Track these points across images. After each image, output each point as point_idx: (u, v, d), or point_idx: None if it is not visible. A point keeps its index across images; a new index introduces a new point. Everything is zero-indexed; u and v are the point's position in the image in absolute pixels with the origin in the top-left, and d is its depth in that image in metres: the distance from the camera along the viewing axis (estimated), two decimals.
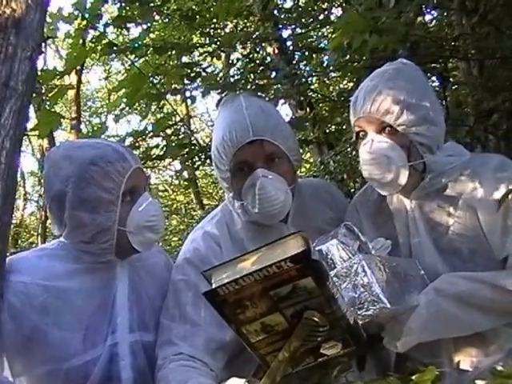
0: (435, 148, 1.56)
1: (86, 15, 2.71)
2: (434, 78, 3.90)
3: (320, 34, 5.69)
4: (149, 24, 3.34)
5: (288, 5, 5.54)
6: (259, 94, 3.20)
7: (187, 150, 3.32)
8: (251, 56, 4.46)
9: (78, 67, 8.73)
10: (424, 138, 1.54)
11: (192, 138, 3.56)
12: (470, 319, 1.44)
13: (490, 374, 1.15)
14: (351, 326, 1.22)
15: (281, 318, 1.16)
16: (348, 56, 3.63)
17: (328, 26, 5.07)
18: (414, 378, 1.16)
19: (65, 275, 1.62)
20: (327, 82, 5.61)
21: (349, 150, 5.08)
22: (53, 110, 2.61)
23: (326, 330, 1.19)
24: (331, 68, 4.22)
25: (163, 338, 1.64)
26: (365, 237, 1.49)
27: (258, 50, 4.86)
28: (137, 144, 3.21)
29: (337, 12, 5.18)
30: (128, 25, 3.05)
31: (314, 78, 4.93)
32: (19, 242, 13.43)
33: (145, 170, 1.75)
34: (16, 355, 1.59)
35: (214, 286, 1.13)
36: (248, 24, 5.70)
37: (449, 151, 1.60)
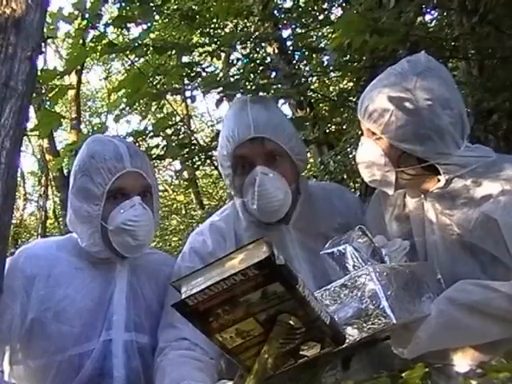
0: (436, 155, 1.49)
1: (86, 15, 2.71)
2: None
3: (320, 34, 5.69)
4: (149, 24, 3.34)
5: (288, 5, 5.52)
6: (260, 93, 3.20)
7: (187, 150, 3.32)
8: (251, 56, 4.46)
9: (78, 67, 8.72)
10: (416, 153, 1.50)
11: (192, 138, 3.56)
12: (482, 329, 1.40)
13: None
14: (328, 326, 1.21)
15: (255, 323, 1.16)
16: (348, 56, 3.63)
17: (328, 26, 5.07)
18: (403, 375, 1.16)
19: (68, 270, 1.69)
20: (327, 81, 5.61)
21: (349, 150, 5.09)
22: (53, 110, 2.61)
23: (302, 331, 1.19)
24: (331, 68, 4.22)
25: (166, 321, 1.68)
26: (383, 240, 1.47)
27: (257, 50, 4.86)
28: (137, 144, 3.20)
29: (337, 12, 5.19)
30: (128, 25, 3.05)
31: (314, 78, 4.93)
32: (19, 241, 13.42)
33: None
34: (18, 345, 1.65)
35: (183, 296, 1.13)
36: (248, 24, 5.69)
37: (472, 152, 1.53)
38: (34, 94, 1.92)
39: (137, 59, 3.18)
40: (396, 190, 1.57)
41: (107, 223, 1.63)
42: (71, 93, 10.00)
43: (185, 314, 1.14)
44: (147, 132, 3.16)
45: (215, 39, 3.79)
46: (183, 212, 12.63)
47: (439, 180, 1.53)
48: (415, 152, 1.50)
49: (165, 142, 3.27)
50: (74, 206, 1.69)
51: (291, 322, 1.16)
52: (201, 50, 3.89)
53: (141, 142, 3.32)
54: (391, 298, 1.31)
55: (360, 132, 1.64)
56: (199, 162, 3.56)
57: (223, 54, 4.42)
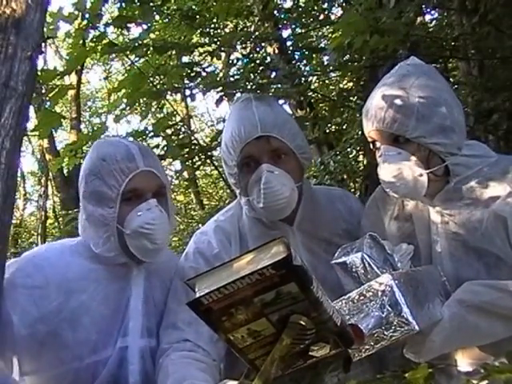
0: (456, 150, 1.50)
1: (86, 15, 2.71)
2: None
3: (320, 33, 5.69)
4: (149, 24, 3.33)
5: (288, 5, 5.53)
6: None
7: (187, 150, 3.32)
8: (251, 56, 4.46)
9: (78, 67, 8.72)
10: (442, 147, 1.49)
11: (192, 138, 3.56)
12: (490, 329, 1.41)
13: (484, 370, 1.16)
14: (338, 327, 1.22)
15: (267, 324, 1.16)
16: (348, 56, 3.63)
17: (328, 26, 5.08)
18: (406, 375, 1.16)
19: (82, 276, 1.63)
20: (327, 81, 5.61)
21: (349, 150, 5.08)
22: (53, 110, 2.61)
23: (313, 332, 1.19)
24: (331, 68, 4.22)
25: (169, 321, 1.67)
26: (389, 246, 1.46)
27: (258, 50, 4.86)
28: None
29: (337, 12, 5.19)
30: (128, 25, 3.05)
31: (314, 78, 4.92)
32: (19, 241, 13.42)
33: None
34: (28, 358, 1.59)
35: (197, 295, 1.13)
36: (248, 24, 5.70)
37: (474, 151, 1.54)
38: (34, 94, 1.91)
39: (137, 59, 3.18)
40: (425, 195, 1.54)
41: (123, 226, 1.59)
42: (71, 93, 10.00)
43: (198, 313, 1.14)
44: (147, 132, 3.16)
45: (215, 39, 3.79)
46: (183, 212, 12.62)
47: (448, 182, 1.53)
48: (443, 146, 1.49)
49: (165, 142, 3.27)
50: (88, 211, 1.63)
51: (303, 323, 1.16)
52: (201, 49, 3.89)
53: (141, 142, 3.32)
54: (410, 304, 1.30)
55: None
56: (199, 162, 3.56)
57: (223, 54, 4.42)
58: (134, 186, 1.60)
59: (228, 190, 7.80)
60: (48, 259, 1.65)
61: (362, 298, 1.33)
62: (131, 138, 3.16)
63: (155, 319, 1.69)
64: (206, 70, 3.47)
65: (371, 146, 1.60)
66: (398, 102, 1.49)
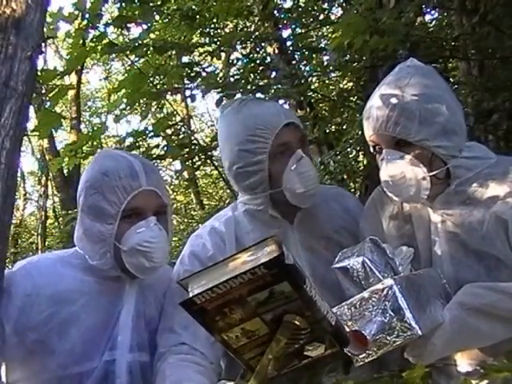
0: (458, 153, 1.50)
1: (86, 15, 2.71)
2: None
3: (320, 33, 5.70)
4: (149, 24, 3.34)
5: (288, 5, 5.54)
6: (259, 94, 3.21)
7: (187, 149, 3.33)
8: (251, 56, 4.47)
9: (78, 67, 8.72)
10: (444, 149, 1.48)
11: (192, 138, 3.56)
12: (490, 331, 1.41)
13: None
14: (333, 327, 1.21)
15: (261, 323, 1.16)
16: (348, 56, 3.64)
17: (328, 26, 5.09)
18: (403, 374, 1.16)
19: (74, 287, 1.62)
20: (327, 81, 5.61)
21: (349, 150, 5.08)
22: (53, 110, 2.61)
23: (308, 332, 1.19)
24: (331, 68, 4.23)
25: (165, 325, 1.66)
26: (391, 250, 1.44)
27: (258, 50, 4.86)
28: (137, 144, 3.21)
29: (337, 12, 5.20)
30: (128, 25, 3.05)
31: (314, 78, 4.93)
32: (19, 241, 13.43)
33: None
34: (16, 365, 1.60)
35: (190, 294, 1.13)
36: (248, 24, 5.70)
37: (473, 152, 1.53)
38: (34, 94, 1.91)
39: (137, 59, 3.18)
40: (426, 198, 1.52)
41: (121, 243, 1.57)
42: (71, 93, 10.00)
43: (192, 313, 1.14)
44: (147, 132, 3.16)
45: (215, 39, 3.80)
46: (183, 212, 12.62)
47: (448, 185, 1.52)
48: (445, 149, 1.48)
49: (165, 142, 3.27)
50: (85, 225, 1.62)
51: (297, 323, 1.16)
52: (201, 49, 3.90)
53: (141, 142, 3.32)
54: (413, 309, 1.30)
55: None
56: (199, 162, 3.56)
57: (223, 54, 4.42)
58: (135, 204, 1.58)
59: (228, 190, 7.81)
60: (38, 268, 1.64)
61: (364, 303, 1.32)
62: (131, 138, 3.17)
63: (147, 335, 1.67)
64: (206, 70, 3.48)
65: (372, 149, 1.59)
66: (398, 103, 1.48)
